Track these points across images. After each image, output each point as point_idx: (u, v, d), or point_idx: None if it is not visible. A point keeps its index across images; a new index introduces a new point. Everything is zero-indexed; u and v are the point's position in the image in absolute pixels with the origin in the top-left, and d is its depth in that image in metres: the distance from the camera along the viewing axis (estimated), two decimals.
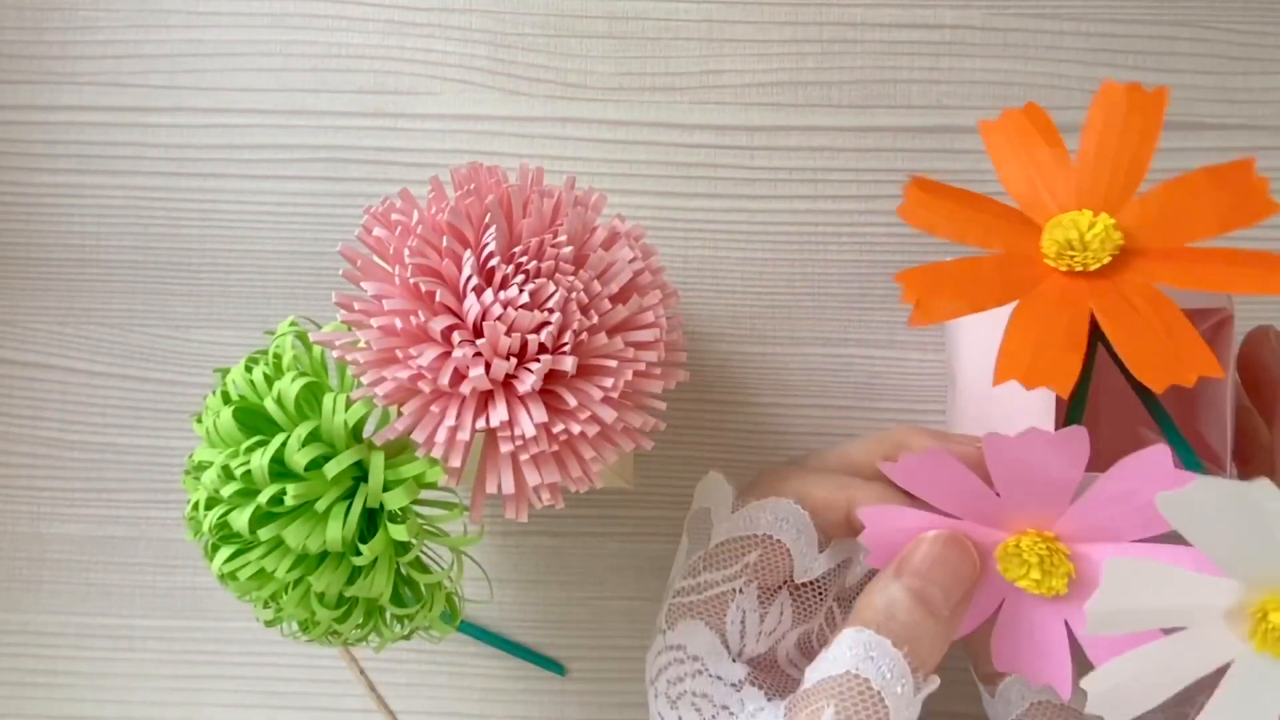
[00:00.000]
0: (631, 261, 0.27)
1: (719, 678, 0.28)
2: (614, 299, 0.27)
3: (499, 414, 0.25)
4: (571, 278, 0.26)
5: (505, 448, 0.25)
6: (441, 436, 0.25)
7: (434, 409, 0.26)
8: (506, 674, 0.40)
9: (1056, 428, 0.25)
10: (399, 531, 0.26)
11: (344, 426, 0.26)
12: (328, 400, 0.27)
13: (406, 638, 0.31)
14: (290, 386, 0.27)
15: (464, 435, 0.25)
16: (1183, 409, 0.35)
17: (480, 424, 0.25)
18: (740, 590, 0.30)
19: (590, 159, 0.41)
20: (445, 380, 0.25)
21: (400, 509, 0.27)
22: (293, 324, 0.30)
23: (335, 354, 0.26)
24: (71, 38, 0.42)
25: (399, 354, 0.25)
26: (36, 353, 0.41)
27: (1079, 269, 0.23)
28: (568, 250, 0.26)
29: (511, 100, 0.41)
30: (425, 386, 0.25)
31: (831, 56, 0.41)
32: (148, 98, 0.41)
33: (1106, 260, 0.23)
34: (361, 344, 0.26)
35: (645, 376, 0.27)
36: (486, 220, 0.27)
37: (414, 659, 0.40)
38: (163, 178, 0.41)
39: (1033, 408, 0.30)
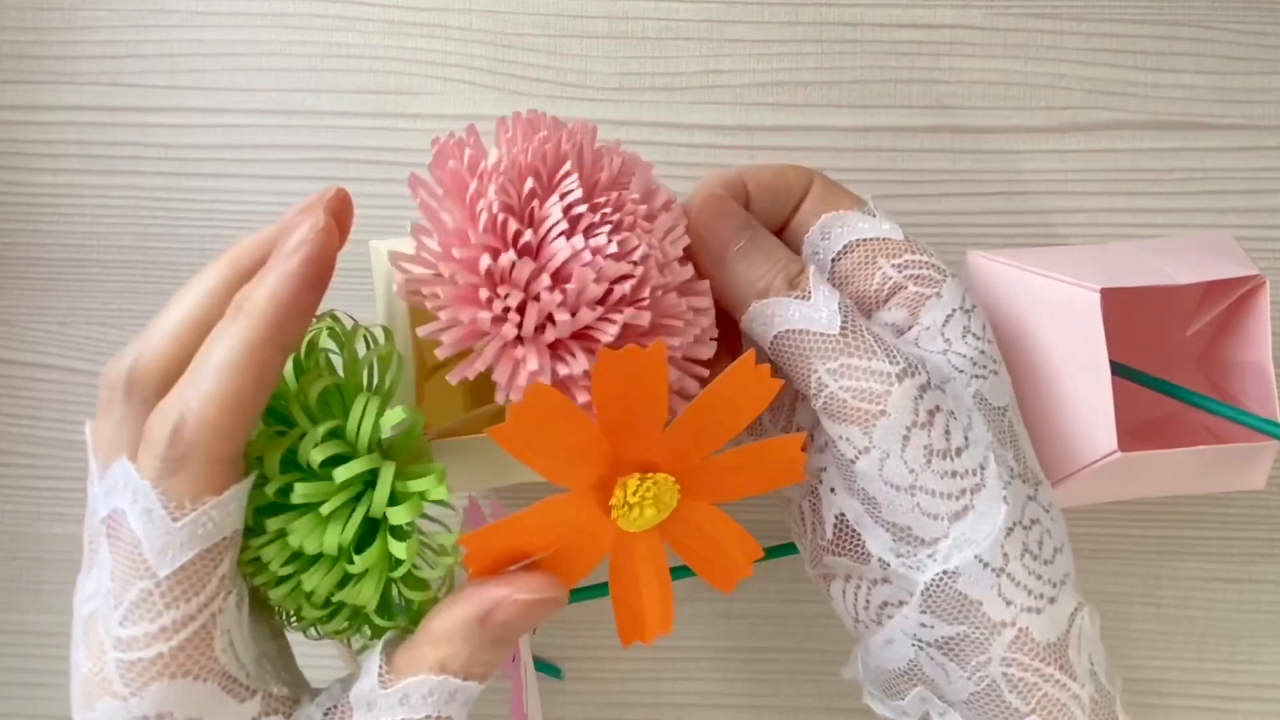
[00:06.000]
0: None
1: None
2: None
3: (579, 364, 0.25)
4: (648, 235, 0.26)
5: (582, 399, 0.25)
6: (522, 380, 0.24)
7: (516, 353, 0.25)
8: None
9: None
10: (399, 549, 0.25)
11: (370, 431, 0.26)
12: (358, 402, 0.26)
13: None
14: (314, 387, 0.26)
15: (545, 379, 0.24)
16: (1225, 385, 0.35)
17: (563, 370, 0.25)
18: (220, 610, 0.23)
19: None
20: (531, 326, 0.24)
21: (404, 524, 0.26)
22: (333, 316, 0.29)
23: (400, 281, 0.25)
24: (71, 38, 0.42)
25: (483, 294, 0.24)
26: (36, 353, 0.41)
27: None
28: (643, 208, 0.26)
29: (511, 100, 0.41)
30: (510, 331, 0.24)
31: (831, 56, 0.41)
32: (148, 98, 0.41)
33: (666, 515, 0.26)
34: (429, 281, 0.25)
35: (699, 341, 0.27)
36: (567, 167, 0.26)
37: None
38: (162, 178, 0.41)
39: (1091, 389, 0.30)
